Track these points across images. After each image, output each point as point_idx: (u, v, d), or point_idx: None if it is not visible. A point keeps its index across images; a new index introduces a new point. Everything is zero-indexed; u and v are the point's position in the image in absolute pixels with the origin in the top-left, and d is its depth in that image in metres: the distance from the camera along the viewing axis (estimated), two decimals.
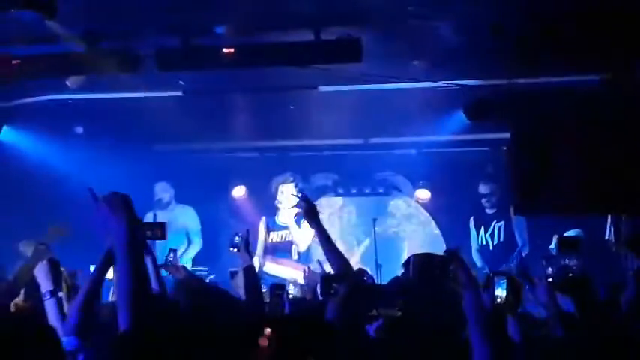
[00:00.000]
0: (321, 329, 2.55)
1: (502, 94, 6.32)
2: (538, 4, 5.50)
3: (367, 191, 9.47)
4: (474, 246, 8.17)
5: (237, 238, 4.86)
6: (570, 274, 3.83)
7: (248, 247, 4.67)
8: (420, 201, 9.37)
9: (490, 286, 3.34)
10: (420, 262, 3.67)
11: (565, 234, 7.42)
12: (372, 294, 2.60)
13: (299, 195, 4.31)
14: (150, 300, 2.34)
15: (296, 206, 4.34)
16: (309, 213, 4.11)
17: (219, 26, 5.84)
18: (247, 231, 4.78)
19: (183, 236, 8.33)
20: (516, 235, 7.92)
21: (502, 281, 3.54)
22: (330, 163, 9.39)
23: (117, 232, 2.33)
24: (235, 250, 4.70)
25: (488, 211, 8.10)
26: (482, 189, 8.09)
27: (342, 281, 3.59)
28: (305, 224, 7.82)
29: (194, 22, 5.86)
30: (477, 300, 3.09)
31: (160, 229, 3.61)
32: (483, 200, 8.10)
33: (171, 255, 6.57)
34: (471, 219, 8.22)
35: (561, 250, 3.88)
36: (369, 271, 5.84)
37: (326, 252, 4.03)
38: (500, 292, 3.55)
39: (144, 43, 6.14)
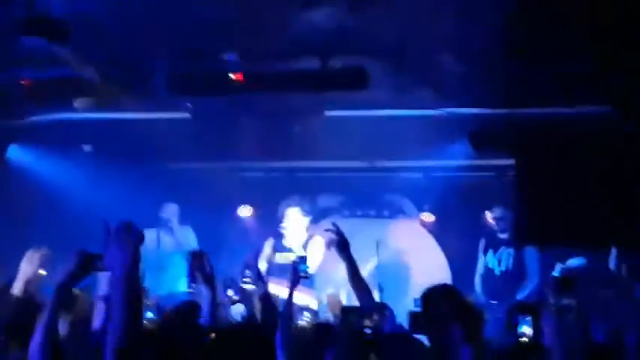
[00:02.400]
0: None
1: (505, 124, 6.36)
2: (542, 33, 5.53)
3: (372, 213, 9.48)
4: (479, 270, 8.06)
5: (247, 271, 4.90)
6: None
7: (260, 275, 4.74)
8: (424, 224, 9.37)
9: (513, 324, 3.32)
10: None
11: (568, 262, 7.42)
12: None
13: (332, 227, 4.39)
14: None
15: (329, 240, 4.38)
16: (340, 245, 4.24)
17: (228, 53, 5.90)
18: (255, 257, 4.84)
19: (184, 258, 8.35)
20: (526, 265, 7.65)
21: (527, 318, 3.49)
22: (337, 184, 9.42)
23: (120, 266, 2.46)
24: (247, 285, 4.76)
25: (500, 236, 7.91)
26: (495, 212, 8.00)
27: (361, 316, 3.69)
28: (312, 248, 7.86)
29: (203, 48, 5.92)
30: (474, 357, 3.10)
31: None
32: (495, 224, 8.00)
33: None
34: (481, 241, 8.10)
35: (557, 289, 3.90)
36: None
37: (352, 284, 4.14)
38: (526, 330, 3.51)
39: (153, 67, 6.22)
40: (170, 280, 7.79)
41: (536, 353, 3.33)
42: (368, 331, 3.67)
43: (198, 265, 4.01)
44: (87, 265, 2.87)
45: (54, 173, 8.08)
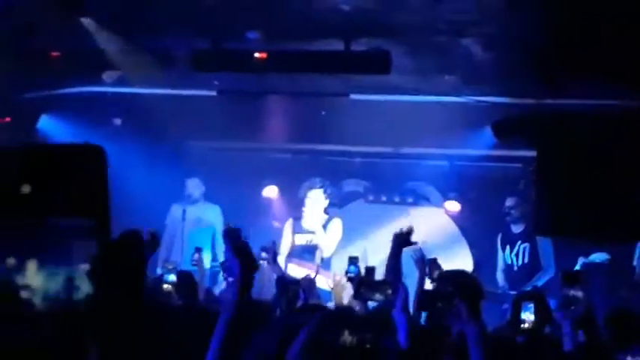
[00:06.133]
0: None
1: (529, 114, 6.30)
2: (570, 25, 5.47)
3: (397, 200, 9.46)
4: (500, 265, 8.03)
5: (263, 253, 4.96)
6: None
7: (276, 259, 4.81)
8: (449, 213, 9.33)
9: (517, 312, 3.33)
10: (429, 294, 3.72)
11: (591, 257, 7.36)
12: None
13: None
14: None
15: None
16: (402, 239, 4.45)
17: (252, 32, 5.94)
18: (274, 243, 4.90)
19: (209, 234, 8.44)
20: (540, 257, 7.70)
21: (529, 305, 3.52)
22: (362, 169, 9.42)
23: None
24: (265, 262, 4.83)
25: (514, 229, 7.91)
26: (507, 202, 7.98)
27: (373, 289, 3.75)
28: (332, 228, 7.91)
29: (228, 26, 5.97)
30: (479, 335, 3.10)
31: None
32: (507, 214, 7.97)
33: (197, 255, 6.73)
34: (499, 237, 8.09)
35: (565, 282, 3.91)
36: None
37: (388, 266, 4.29)
38: (528, 316, 3.54)
39: (179, 43, 6.28)
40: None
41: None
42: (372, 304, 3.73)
43: (234, 241, 4.05)
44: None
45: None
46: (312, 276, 6.07)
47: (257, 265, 3.14)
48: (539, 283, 7.38)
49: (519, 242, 7.86)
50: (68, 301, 4.46)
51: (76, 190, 2.56)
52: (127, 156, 8.09)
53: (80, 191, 2.61)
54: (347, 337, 2.46)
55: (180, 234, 8.16)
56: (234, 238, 3.98)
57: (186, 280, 5.40)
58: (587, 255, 7.34)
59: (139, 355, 2.63)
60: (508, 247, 7.95)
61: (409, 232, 4.50)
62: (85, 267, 4.34)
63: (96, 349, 2.48)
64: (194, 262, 6.68)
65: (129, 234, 2.78)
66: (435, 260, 5.57)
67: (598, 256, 7.33)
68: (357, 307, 4.34)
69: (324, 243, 7.88)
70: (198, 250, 6.83)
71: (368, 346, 2.51)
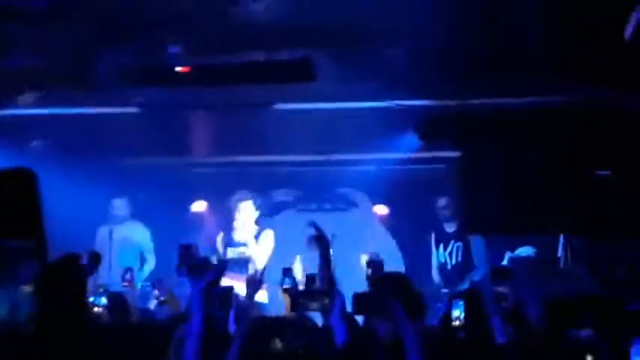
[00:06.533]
0: None
1: (452, 115, 6.44)
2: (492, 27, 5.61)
3: (327, 207, 9.53)
4: (434, 263, 8.19)
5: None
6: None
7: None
8: (378, 216, 9.45)
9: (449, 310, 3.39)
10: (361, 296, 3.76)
11: (517, 251, 7.56)
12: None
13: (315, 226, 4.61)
14: None
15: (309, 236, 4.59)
16: (319, 240, 4.49)
17: (174, 46, 5.89)
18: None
19: (137, 254, 8.32)
20: (474, 256, 7.87)
21: (460, 302, 3.59)
22: (290, 179, 9.44)
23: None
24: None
25: (447, 229, 8.08)
26: (439, 202, 8.14)
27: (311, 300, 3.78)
28: (263, 239, 7.87)
29: (149, 40, 5.90)
30: (415, 335, 3.15)
31: None
32: (440, 214, 8.13)
33: (128, 275, 6.62)
34: (432, 235, 8.23)
35: (493, 279, 4.03)
36: None
37: (319, 275, 4.33)
38: (458, 314, 3.61)
39: (100, 58, 6.17)
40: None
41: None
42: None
43: (187, 258, 4.00)
44: None
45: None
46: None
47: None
48: (475, 280, 7.53)
49: (452, 241, 8.02)
50: (13, 323, 4.34)
51: (10, 211, 2.51)
52: (49, 179, 7.84)
53: (14, 213, 2.55)
54: (278, 343, 2.47)
55: (107, 255, 7.99)
56: (188, 257, 3.97)
57: (117, 301, 5.30)
58: (513, 250, 7.54)
59: None
60: (442, 245, 8.10)
61: (322, 235, 4.52)
62: (28, 288, 4.24)
63: None
64: (125, 283, 6.57)
65: (67, 256, 2.75)
66: (374, 260, 5.65)
67: (524, 250, 7.53)
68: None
69: (257, 255, 7.84)
70: (129, 269, 6.72)
71: (300, 351, 2.53)
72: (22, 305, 4.31)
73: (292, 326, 2.68)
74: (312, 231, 4.55)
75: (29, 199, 2.39)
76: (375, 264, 5.52)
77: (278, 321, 2.87)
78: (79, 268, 2.73)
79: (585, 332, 3.58)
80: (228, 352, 2.64)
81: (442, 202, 8.09)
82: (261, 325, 2.71)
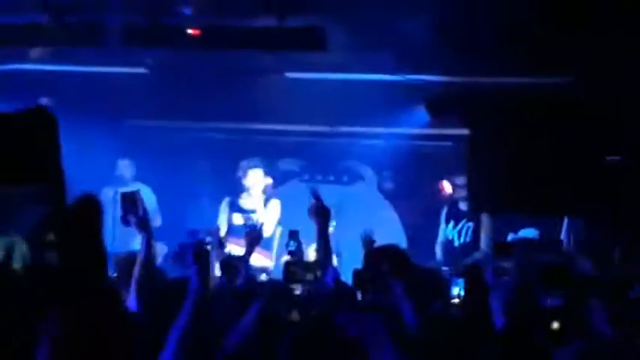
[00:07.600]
0: None
1: (462, 92, 6.39)
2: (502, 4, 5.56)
3: (331, 179, 9.51)
4: (440, 238, 8.08)
5: (208, 237, 4.90)
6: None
7: (222, 243, 4.80)
8: (383, 191, 9.45)
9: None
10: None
11: (520, 232, 7.53)
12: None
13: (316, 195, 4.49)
14: None
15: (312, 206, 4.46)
16: (319, 210, 4.35)
17: (185, 6, 5.84)
18: (218, 227, 4.87)
19: None
20: (482, 237, 7.71)
21: (459, 280, 3.57)
22: (298, 148, 9.42)
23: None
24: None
25: (462, 206, 7.89)
26: (457, 180, 7.98)
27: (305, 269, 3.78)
28: (271, 208, 7.86)
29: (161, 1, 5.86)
30: (413, 312, 3.15)
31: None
32: (456, 192, 8.04)
33: None
34: (444, 210, 8.08)
35: (496, 253, 4.01)
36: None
37: (318, 246, 4.23)
38: (457, 291, 3.60)
39: (110, 17, 6.13)
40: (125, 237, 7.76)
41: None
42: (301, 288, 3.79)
43: (131, 208, 3.94)
44: None
45: None
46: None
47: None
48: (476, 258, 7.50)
49: (464, 220, 7.87)
50: (7, 266, 4.37)
51: (27, 155, 2.48)
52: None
53: (31, 157, 2.52)
54: (295, 314, 2.52)
55: (110, 217, 7.98)
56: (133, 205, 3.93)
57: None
58: (516, 231, 7.50)
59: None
60: (452, 222, 7.95)
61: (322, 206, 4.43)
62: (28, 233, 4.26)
63: (59, 315, 2.41)
64: None
65: (86, 197, 2.69)
66: (370, 237, 5.63)
67: (527, 232, 7.49)
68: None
69: (265, 222, 7.83)
70: None
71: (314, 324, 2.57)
72: (17, 250, 4.33)
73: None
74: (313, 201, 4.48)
75: (47, 143, 2.34)
76: (365, 241, 5.50)
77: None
78: (99, 207, 2.67)
79: (553, 300, 3.58)
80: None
81: (459, 180, 7.94)
82: (278, 292, 2.77)
